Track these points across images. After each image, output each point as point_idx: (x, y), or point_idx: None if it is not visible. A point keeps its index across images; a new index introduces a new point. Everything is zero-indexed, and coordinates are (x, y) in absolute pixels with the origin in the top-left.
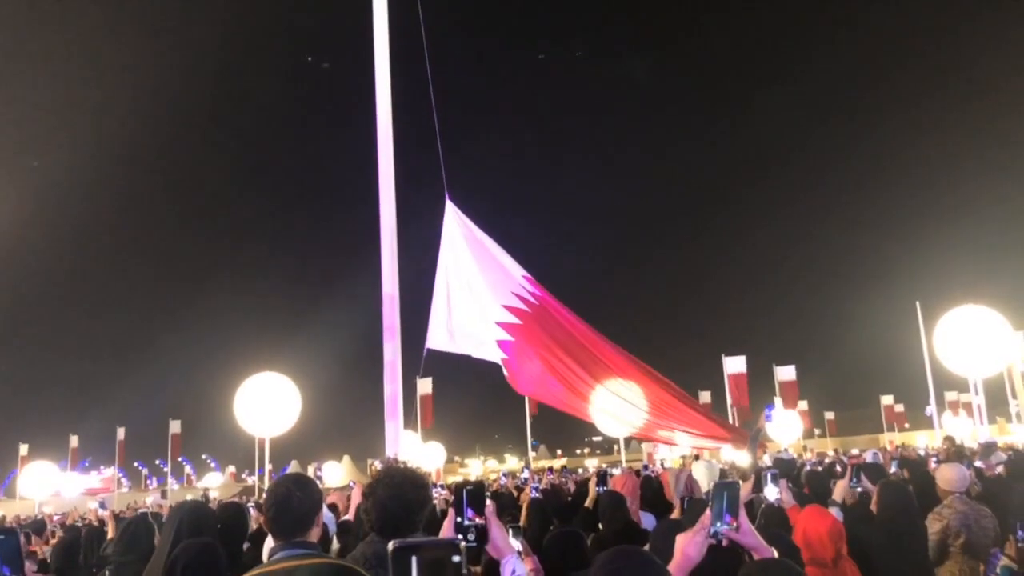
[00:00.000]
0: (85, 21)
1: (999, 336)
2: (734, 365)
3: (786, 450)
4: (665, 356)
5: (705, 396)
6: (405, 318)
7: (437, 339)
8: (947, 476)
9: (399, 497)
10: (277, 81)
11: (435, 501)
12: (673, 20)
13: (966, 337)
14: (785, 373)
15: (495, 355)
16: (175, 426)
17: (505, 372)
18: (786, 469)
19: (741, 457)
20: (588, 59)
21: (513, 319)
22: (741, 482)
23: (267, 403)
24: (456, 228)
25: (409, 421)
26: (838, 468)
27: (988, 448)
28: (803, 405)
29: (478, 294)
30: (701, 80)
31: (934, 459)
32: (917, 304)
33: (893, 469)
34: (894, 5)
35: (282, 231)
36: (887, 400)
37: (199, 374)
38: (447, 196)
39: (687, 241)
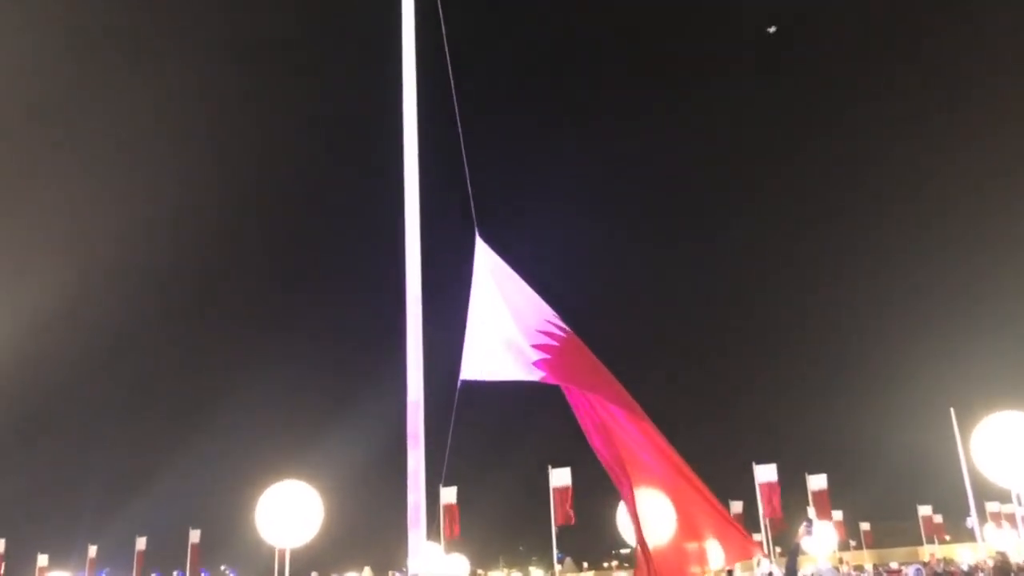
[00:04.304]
0: (116, 130)
1: None
2: (765, 474)
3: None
4: (693, 464)
5: (736, 507)
6: (429, 424)
7: (473, 369)
8: None
9: None
10: (300, 191)
11: None
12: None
13: (1005, 445)
14: (817, 482)
15: (533, 364)
16: (194, 535)
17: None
18: None
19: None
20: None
21: (550, 342)
22: None
23: (289, 513)
24: (488, 264)
25: (432, 531)
26: None
27: None
28: (838, 515)
29: (514, 322)
30: (734, 169)
31: (980, 575)
32: (951, 411)
33: None
34: (928, 116)
35: (303, 338)
36: (925, 511)
37: (220, 481)
38: (476, 233)
39: (715, 348)
